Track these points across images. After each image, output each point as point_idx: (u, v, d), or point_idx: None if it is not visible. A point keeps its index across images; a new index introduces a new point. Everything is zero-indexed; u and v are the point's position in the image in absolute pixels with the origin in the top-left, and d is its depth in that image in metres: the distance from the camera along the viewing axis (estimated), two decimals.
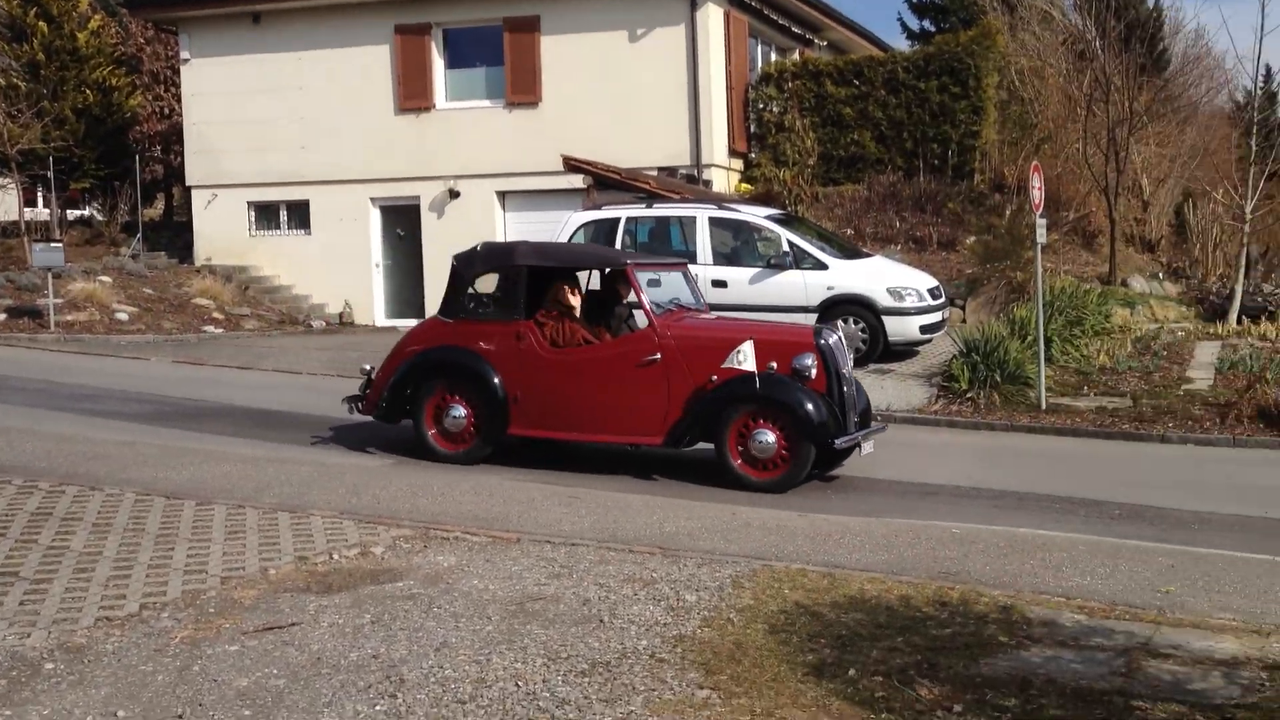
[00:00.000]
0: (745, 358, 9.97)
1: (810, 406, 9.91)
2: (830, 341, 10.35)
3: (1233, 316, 20.50)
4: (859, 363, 15.78)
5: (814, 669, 5.60)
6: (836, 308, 15.80)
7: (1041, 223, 14.54)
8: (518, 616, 6.35)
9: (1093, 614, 6.54)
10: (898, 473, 11.03)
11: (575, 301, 11.08)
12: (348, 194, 24.18)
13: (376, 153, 23.77)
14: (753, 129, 24.05)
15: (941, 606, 6.60)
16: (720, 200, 18.82)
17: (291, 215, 24.96)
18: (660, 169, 21.63)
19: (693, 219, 16.81)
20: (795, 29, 26.05)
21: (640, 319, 11.01)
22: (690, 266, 15.62)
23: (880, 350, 15.93)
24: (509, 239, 22.64)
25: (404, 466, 10.84)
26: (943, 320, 16.62)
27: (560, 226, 17.16)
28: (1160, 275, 24.20)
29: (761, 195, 21.79)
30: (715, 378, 10.16)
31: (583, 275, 12.06)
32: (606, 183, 19.95)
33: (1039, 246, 14.67)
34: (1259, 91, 26.39)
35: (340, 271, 24.12)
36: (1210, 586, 7.25)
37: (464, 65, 24.03)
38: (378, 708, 5.09)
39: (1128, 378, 15.41)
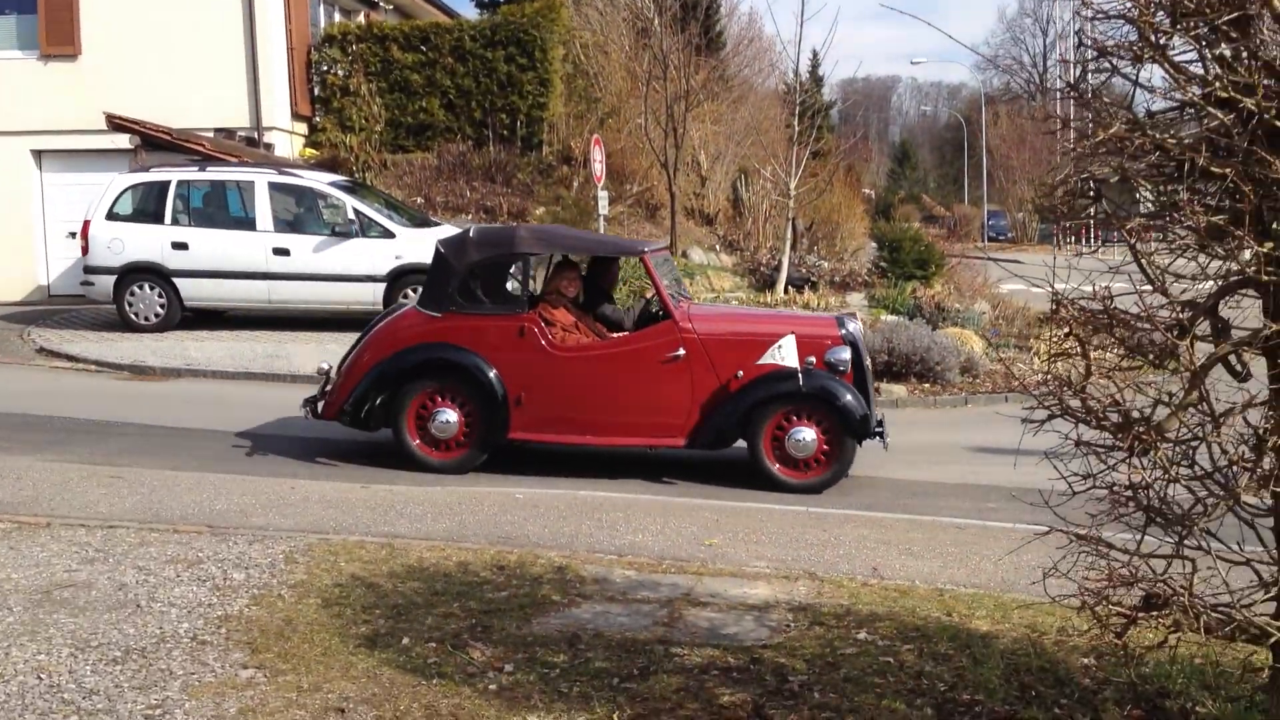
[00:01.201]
0: (787, 353, 9.37)
1: (853, 401, 9.37)
2: (854, 331, 9.91)
3: (780, 286, 22.02)
4: None
5: (367, 640, 5.45)
6: (405, 277, 15.60)
7: (604, 195, 14.97)
8: (43, 605, 5.85)
9: (642, 569, 6.75)
10: None
11: (575, 293, 10.22)
12: None
13: None
14: (317, 92, 23.32)
15: (499, 570, 6.60)
16: (282, 165, 18.12)
17: None
18: (217, 130, 20.53)
19: (251, 184, 16.08)
20: None
21: (615, 313, 10.37)
22: (249, 233, 14.92)
23: None
24: (42, 201, 20.83)
25: None
26: None
27: (103, 190, 15.91)
28: (717, 247, 25.66)
29: (327, 161, 21.19)
30: (742, 374, 9.46)
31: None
32: (156, 143, 18.73)
33: (602, 218, 15.10)
34: (804, 74, 28.49)
35: None
36: (749, 537, 7.68)
37: None
38: None
39: None
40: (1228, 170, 3.79)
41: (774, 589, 6.40)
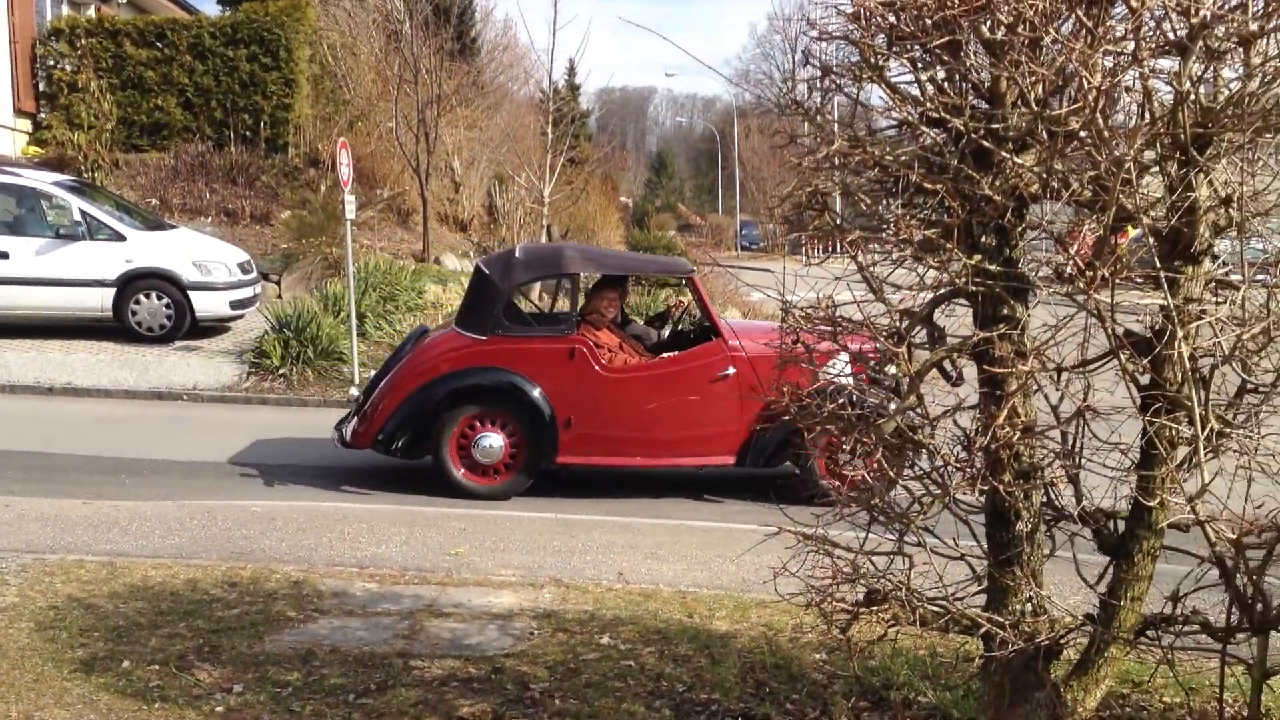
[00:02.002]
0: (839, 370, 8.90)
1: None
2: None
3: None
4: (164, 340, 15.00)
5: (84, 665, 5.15)
6: (137, 282, 14.85)
7: (351, 199, 14.61)
8: None
9: (384, 581, 6.62)
10: (200, 453, 10.57)
11: (615, 313, 9.72)
12: None
13: None
14: (42, 88, 21.98)
15: (231, 587, 6.35)
16: (2, 164, 17.00)
17: None
18: None
19: None
20: None
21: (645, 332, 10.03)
22: None
23: (188, 327, 15.21)
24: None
25: None
26: (254, 296, 16.20)
27: None
28: (471, 254, 25.45)
29: (53, 160, 19.97)
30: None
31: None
32: None
33: (349, 223, 14.73)
34: (560, 83, 28.63)
35: None
36: (497, 546, 7.64)
37: None
38: None
39: None
40: (939, 187, 3.99)
41: (519, 597, 6.38)
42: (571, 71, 42.64)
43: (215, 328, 15.86)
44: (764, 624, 5.92)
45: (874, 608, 4.23)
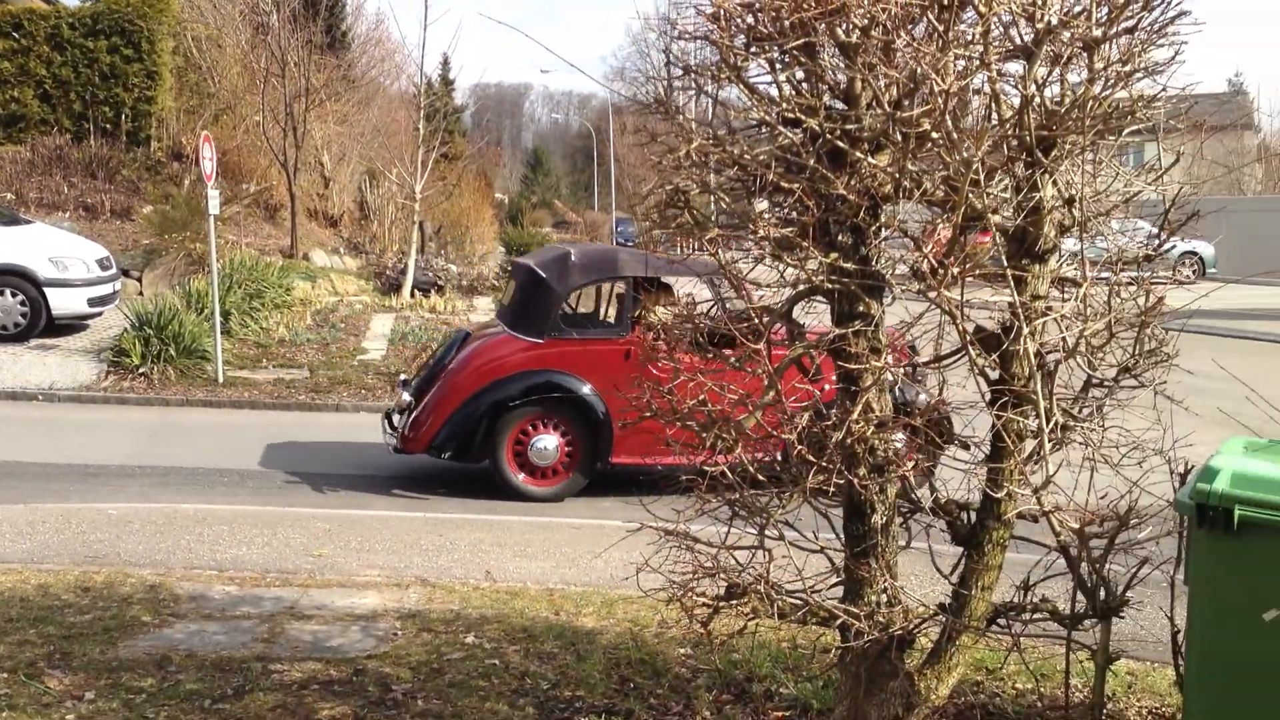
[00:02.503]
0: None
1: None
2: None
3: (406, 290, 21.82)
4: (18, 338, 14.51)
5: None
6: None
7: (214, 194, 14.29)
8: None
9: (244, 584, 6.49)
10: (56, 454, 10.25)
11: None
12: None
13: None
14: None
15: (84, 592, 6.16)
16: None
17: None
18: None
19: None
20: None
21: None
22: None
23: (44, 325, 14.72)
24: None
25: None
26: (114, 292, 15.75)
27: None
28: (341, 250, 25.10)
29: None
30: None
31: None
32: None
33: (212, 218, 14.41)
34: (434, 78, 28.34)
35: None
36: (362, 546, 7.54)
37: None
38: None
39: (306, 349, 15.73)
40: (796, 186, 4.05)
41: (384, 597, 6.30)
42: (445, 66, 42.31)
43: (73, 326, 15.38)
44: (630, 620, 5.94)
45: (734, 602, 4.28)
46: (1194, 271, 29.11)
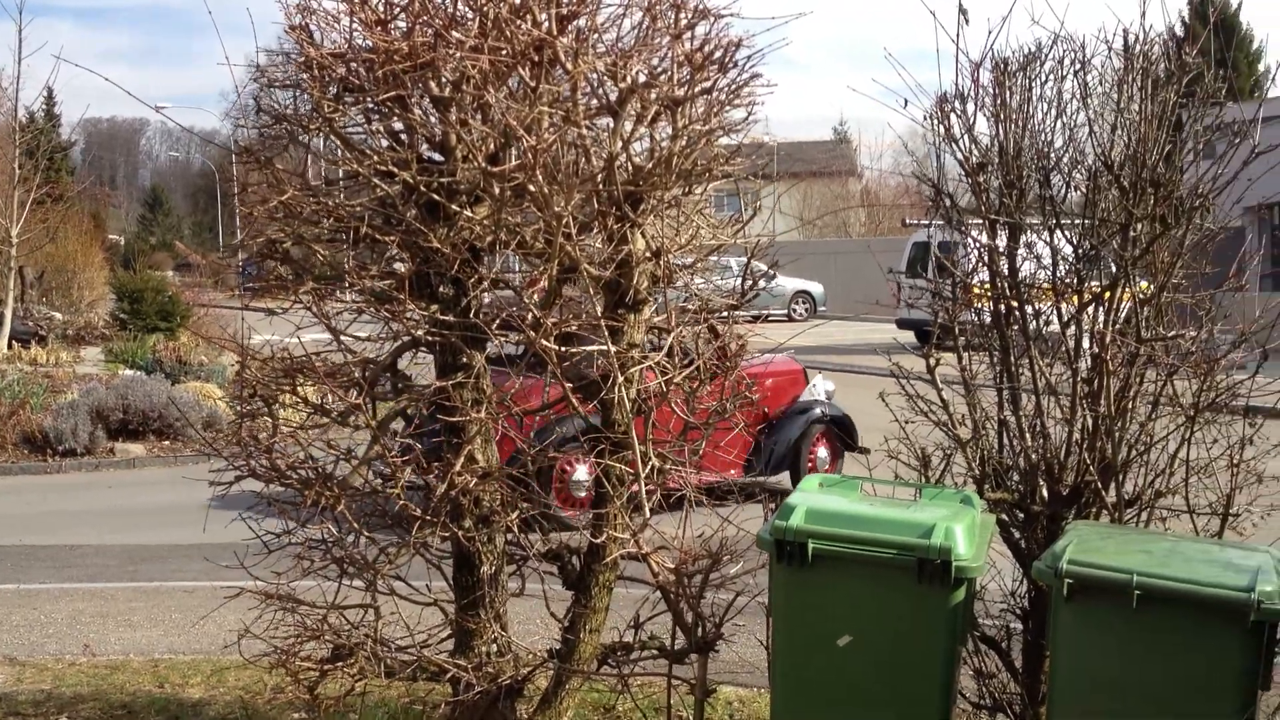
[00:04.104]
0: (819, 389, 10.79)
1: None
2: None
3: (2, 342, 20.14)
4: None
5: None
6: None
7: None
8: None
9: None
10: None
11: None
12: None
13: None
14: None
15: None
16: None
17: None
18: None
19: None
20: None
21: None
22: None
23: None
24: None
25: None
26: None
27: None
28: None
29: None
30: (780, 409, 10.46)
31: None
32: None
33: None
34: (39, 112, 26.32)
35: None
36: None
37: None
38: None
39: None
40: (391, 239, 4.02)
41: None
42: (50, 100, 39.52)
43: None
44: (242, 687, 5.67)
45: (340, 663, 4.17)
46: (806, 309, 31.15)
